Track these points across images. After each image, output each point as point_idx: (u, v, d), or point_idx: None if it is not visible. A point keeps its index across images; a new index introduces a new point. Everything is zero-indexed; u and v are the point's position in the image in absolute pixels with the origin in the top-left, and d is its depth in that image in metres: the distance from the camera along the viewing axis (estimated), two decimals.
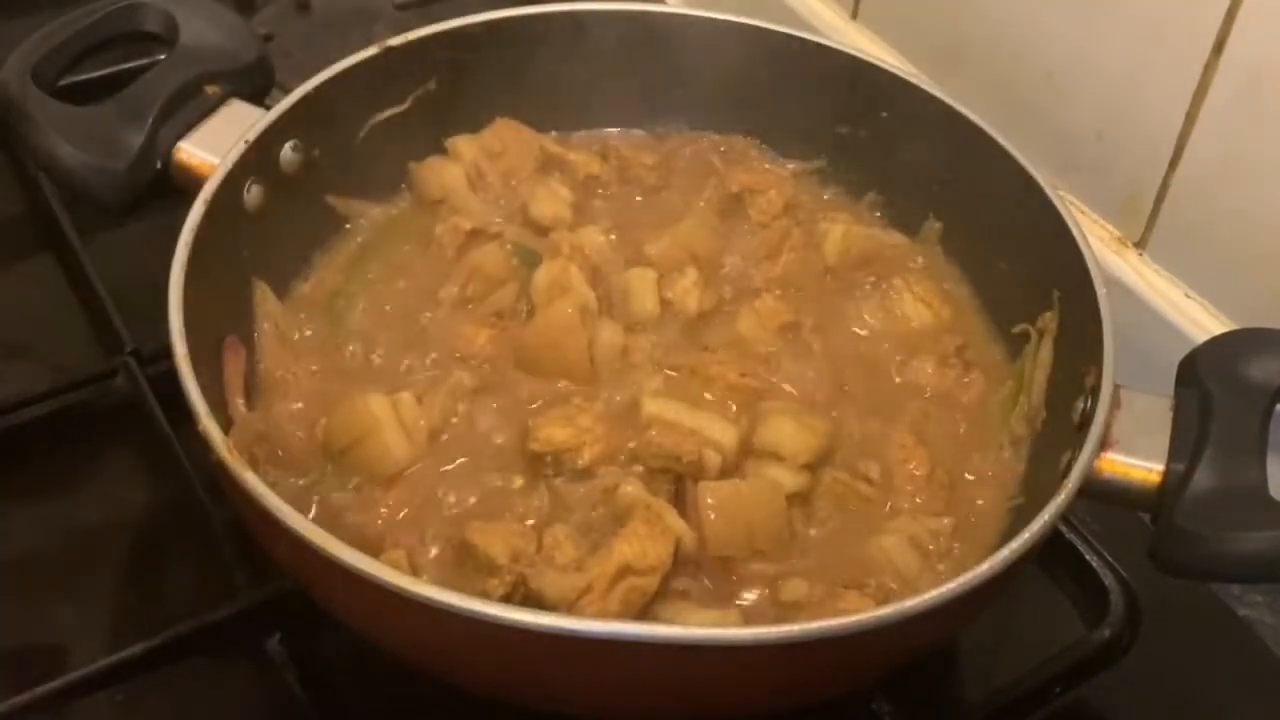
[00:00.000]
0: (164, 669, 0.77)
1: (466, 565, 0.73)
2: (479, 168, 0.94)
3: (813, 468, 0.79)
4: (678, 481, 0.77)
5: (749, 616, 0.73)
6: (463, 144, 0.95)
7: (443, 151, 0.95)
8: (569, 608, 0.69)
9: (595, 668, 0.63)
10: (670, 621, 0.71)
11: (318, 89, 0.87)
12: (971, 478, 0.82)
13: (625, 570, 0.70)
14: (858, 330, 0.90)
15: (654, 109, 1.01)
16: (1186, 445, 0.73)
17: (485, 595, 0.70)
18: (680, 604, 0.73)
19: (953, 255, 0.94)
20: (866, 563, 0.76)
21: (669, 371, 0.84)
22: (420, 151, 0.95)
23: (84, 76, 0.94)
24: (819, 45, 0.97)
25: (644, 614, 0.71)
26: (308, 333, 0.86)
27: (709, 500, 0.75)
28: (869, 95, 0.95)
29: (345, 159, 0.92)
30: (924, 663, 0.73)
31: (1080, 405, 0.76)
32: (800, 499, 0.78)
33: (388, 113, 0.93)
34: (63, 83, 0.87)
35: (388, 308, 0.88)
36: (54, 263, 1.02)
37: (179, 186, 0.84)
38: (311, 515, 0.65)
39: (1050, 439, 0.80)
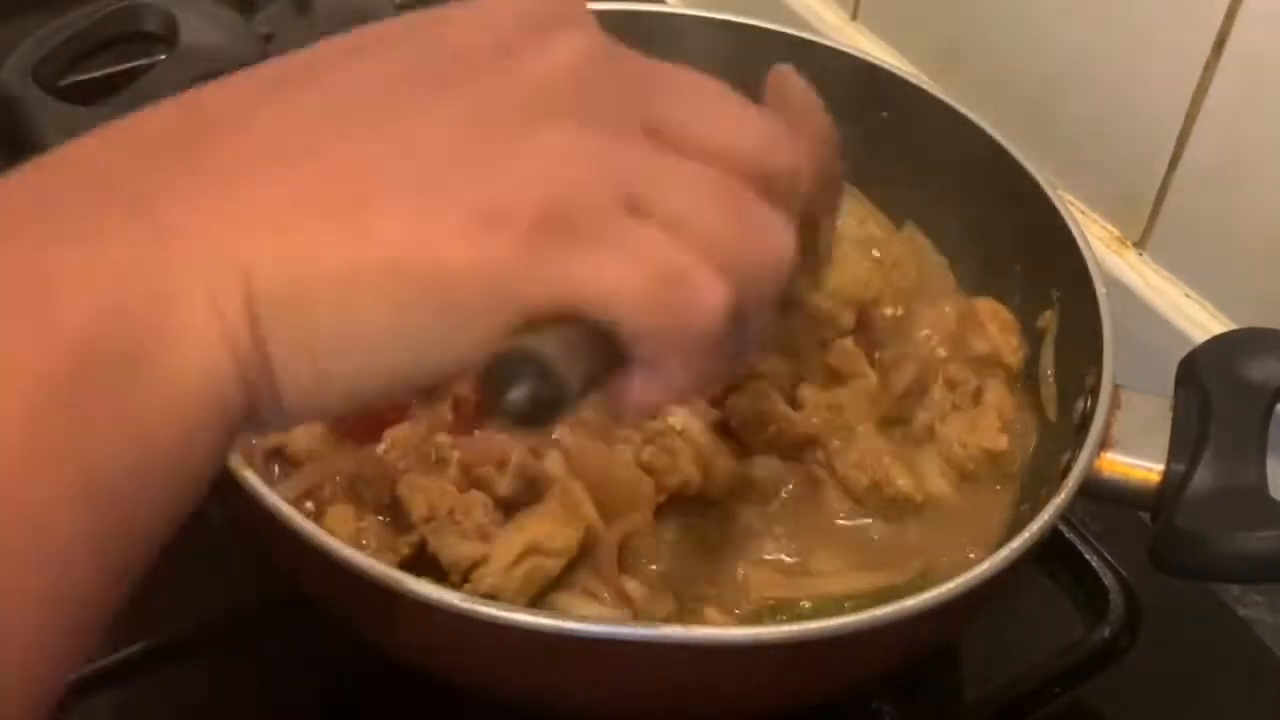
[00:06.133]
0: (164, 669, 0.77)
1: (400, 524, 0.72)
2: None
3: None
4: None
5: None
6: None
7: None
8: (462, 576, 0.67)
9: (593, 668, 0.63)
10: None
11: None
12: None
13: (532, 548, 0.68)
14: None
15: None
16: (1186, 445, 0.72)
17: (395, 554, 0.69)
18: None
19: (952, 255, 0.94)
20: None
21: None
22: None
23: (84, 76, 0.94)
24: (819, 45, 0.96)
25: (544, 597, 0.69)
26: None
27: None
28: (869, 95, 0.94)
29: None
30: (924, 663, 0.73)
31: (1080, 405, 0.76)
32: None
33: None
34: (63, 83, 0.87)
35: None
36: None
37: None
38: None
39: (1050, 439, 0.80)
